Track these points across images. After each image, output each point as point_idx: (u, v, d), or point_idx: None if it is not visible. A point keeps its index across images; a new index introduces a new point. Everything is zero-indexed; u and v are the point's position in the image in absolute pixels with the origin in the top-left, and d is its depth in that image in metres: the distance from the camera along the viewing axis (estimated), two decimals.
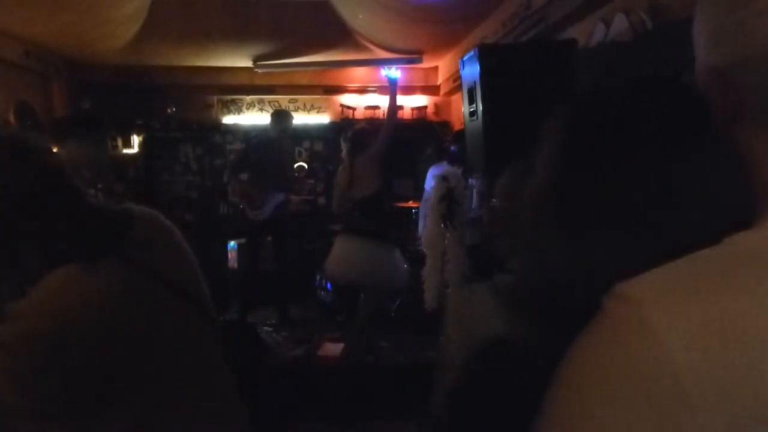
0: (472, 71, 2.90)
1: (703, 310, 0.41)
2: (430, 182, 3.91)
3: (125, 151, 6.97)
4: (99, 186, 5.91)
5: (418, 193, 6.05)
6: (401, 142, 6.07)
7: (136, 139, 6.99)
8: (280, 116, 5.66)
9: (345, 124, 6.50)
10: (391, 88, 4.29)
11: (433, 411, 0.91)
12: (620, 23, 3.17)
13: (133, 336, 1.14)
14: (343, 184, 4.26)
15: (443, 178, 3.73)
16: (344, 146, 4.41)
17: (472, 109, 2.94)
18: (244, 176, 5.45)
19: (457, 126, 6.53)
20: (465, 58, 3.00)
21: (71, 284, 1.10)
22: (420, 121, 7.27)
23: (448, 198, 3.68)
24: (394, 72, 4.37)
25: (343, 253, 4.21)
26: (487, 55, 2.80)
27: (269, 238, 5.66)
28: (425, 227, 4.16)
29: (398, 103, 7.07)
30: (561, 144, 0.69)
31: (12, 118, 5.24)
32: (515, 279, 0.83)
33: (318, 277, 5.89)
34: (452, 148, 4.58)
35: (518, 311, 0.74)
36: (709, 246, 0.47)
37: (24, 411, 1.07)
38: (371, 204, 4.19)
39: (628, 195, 0.61)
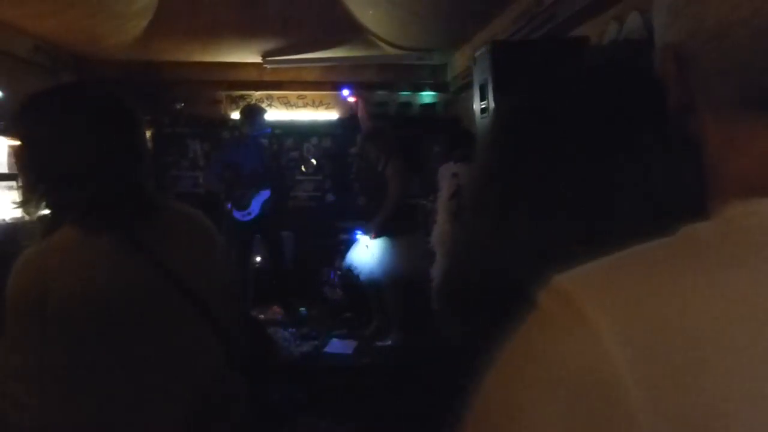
0: (483, 67, 2.88)
1: (646, 306, 0.38)
2: (441, 180, 3.91)
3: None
4: None
5: (426, 190, 6.04)
6: (410, 139, 6.08)
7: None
8: (252, 111, 5.54)
9: (352, 121, 6.49)
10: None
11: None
12: (634, 21, 3.14)
13: (104, 315, 1.13)
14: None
15: (453, 175, 3.72)
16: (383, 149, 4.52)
17: (483, 106, 2.92)
18: (227, 175, 5.26)
19: (466, 123, 6.50)
20: (477, 54, 2.98)
21: (62, 246, 1.14)
22: (429, 118, 7.24)
23: (459, 195, 3.66)
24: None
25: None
26: (499, 51, 2.79)
27: (259, 236, 5.54)
28: (435, 224, 4.15)
29: (407, 100, 7.13)
30: (500, 128, 0.68)
31: None
32: (447, 268, 0.82)
33: (333, 273, 5.86)
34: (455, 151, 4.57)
35: (448, 303, 0.72)
36: (656, 237, 0.43)
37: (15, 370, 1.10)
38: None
39: (567, 182, 0.60)
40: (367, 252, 4.56)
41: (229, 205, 5.24)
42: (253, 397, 1.37)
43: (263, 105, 7.15)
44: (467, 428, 0.43)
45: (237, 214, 5.26)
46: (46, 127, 1.18)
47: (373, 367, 4.38)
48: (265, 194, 5.33)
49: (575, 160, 0.60)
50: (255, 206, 5.30)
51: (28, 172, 1.20)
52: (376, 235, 4.49)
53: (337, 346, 4.83)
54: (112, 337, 1.13)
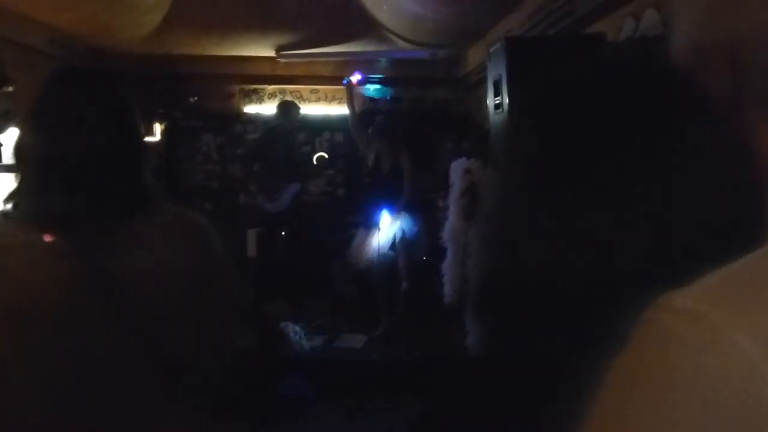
0: (498, 63, 2.86)
1: None
2: (453, 176, 3.89)
3: (147, 139, 6.99)
4: None
5: (436, 186, 6.01)
6: (421, 135, 6.06)
7: (157, 128, 7.02)
8: (286, 107, 5.69)
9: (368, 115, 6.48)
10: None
11: None
12: (651, 18, 3.10)
13: (17, 320, 1.02)
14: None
15: (466, 172, 3.70)
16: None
17: (497, 102, 2.91)
18: (256, 167, 5.46)
19: (480, 119, 6.47)
20: (492, 49, 2.96)
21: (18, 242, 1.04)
22: (441, 114, 7.21)
23: (471, 191, 3.65)
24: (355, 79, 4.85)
25: None
26: (514, 47, 2.77)
27: (285, 229, 5.66)
28: (447, 221, 4.13)
29: (420, 95, 7.12)
30: (531, 132, 0.66)
31: None
32: (481, 277, 0.79)
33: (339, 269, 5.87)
34: (467, 147, 4.55)
35: (485, 311, 0.70)
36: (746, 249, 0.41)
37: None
38: None
39: (607, 187, 0.57)
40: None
41: (260, 197, 5.45)
42: (262, 391, 1.34)
43: (276, 99, 7.17)
44: None
45: (268, 206, 5.42)
46: (29, 104, 1.14)
47: (382, 362, 4.38)
48: (296, 187, 5.46)
49: (623, 161, 0.58)
50: (286, 199, 5.42)
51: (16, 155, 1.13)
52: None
53: (346, 340, 4.83)
54: (24, 346, 1.02)
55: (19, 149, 1.13)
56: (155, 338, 1.05)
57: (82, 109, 1.12)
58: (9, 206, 1.10)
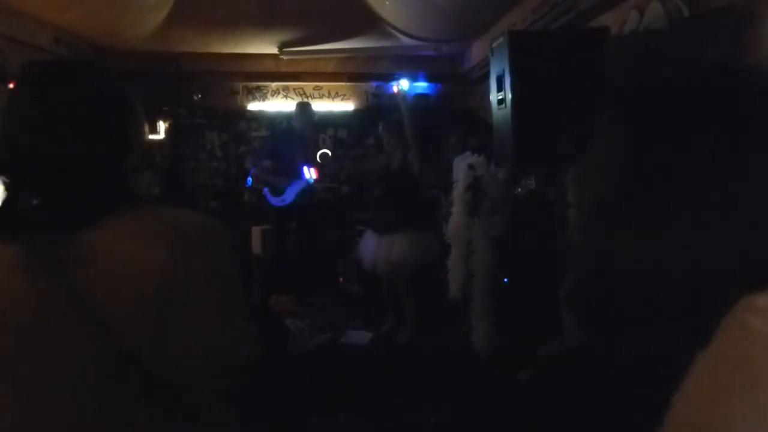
0: (501, 58, 2.85)
1: None
2: (457, 171, 3.88)
3: (151, 137, 7.02)
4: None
5: (441, 181, 6.00)
6: (425, 131, 6.05)
7: (162, 126, 7.04)
8: (304, 107, 5.83)
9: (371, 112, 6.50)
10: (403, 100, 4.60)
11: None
12: (655, 11, 3.09)
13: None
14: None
15: (470, 167, 3.69)
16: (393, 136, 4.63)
17: (500, 97, 2.90)
18: (267, 164, 5.58)
19: (483, 114, 6.46)
20: (494, 44, 2.95)
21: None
22: (445, 109, 7.20)
23: (475, 187, 3.64)
24: (405, 83, 4.70)
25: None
26: (517, 41, 2.75)
27: (293, 225, 5.75)
28: (451, 216, 4.13)
29: (424, 91, 7.10)
30: (621, 137, 0.64)
31: None
32: (577, 285, 0.77)
33: (344, 266, 5.90)
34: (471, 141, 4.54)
35: (587, 317, 0.69)
36: None
37: None
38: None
39: (702, 188, 0.56)
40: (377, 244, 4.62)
41: (266, 191, 5.63)
42: (268, 388, 1.30)
43: (279, 96, 7.19)
44: None
45: (272, 200, 5.61)
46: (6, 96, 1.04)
47: (389, 359, 4.39)
48: (301, 183, 5.56)
49: (714, 163, 0.56)
50: (289, 194, 5.56)
51: None
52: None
53: (352, 337, 4.84)
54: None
55: None
56: (132, 353, 0.91)
57: (38, 107, 1.01)
58: None
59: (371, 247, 4.70)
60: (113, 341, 0.90)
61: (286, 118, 6.66)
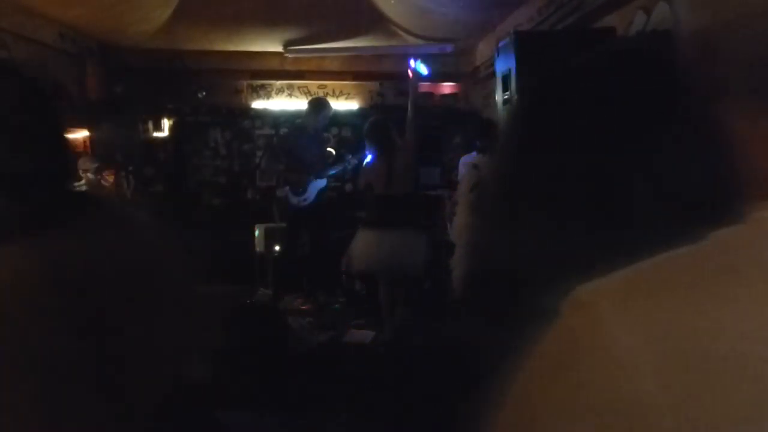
0: (507, 58, 2.84)
1: (677, 324, 0.35)
2: (461, 171, 3.87)
3: (155, 134, 7.02)
4: (129, 169, 5.99)
5: (444, 181, 6.01)
6: (429, 131, 6.05)
7: (166, 123, 7.04)
8: (319, 104, 5.67)
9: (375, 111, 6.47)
10: (414, 83, 4.33)
11: None
12: (662, 12, 3.08)
13: None
14: (380, 186, 4.21)
15: (474, 167, 3.69)
16: (375, 143, 4.35)
17: (506, 97, 2.89)
18: (281, 165, 5.54)
19: (488, 114, 6.45)
20: (500, 44, 2.95)
21: None
22: (449, 109, 7.19)
23: (479, 187, 3.63)
24: (423, 67, 4.37)
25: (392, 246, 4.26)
26: (523, 41, 2.75)
27: (310, 223, 5.69)
28: (455, 217, 4.12)
29: (429, 90, 7.07)
30: (519, 124, 0.65)
31: None
32: (464, 271, 0.78)
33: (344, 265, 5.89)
34: (476, 143, 4.46)
35: (466, 307, 0.70)
36: (687, 243, 0.39)
37: None
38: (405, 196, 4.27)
39: (588, 182, 0.56)
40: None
41: (287, 191, 5.46)
42: (271, 386, 1.29)
43: (284, 95, 7.18)
44: None
45: (293, 199, 5.43)
46: None
47: (391, 357, 4.38)
48: (322, 182, 5.52)
49: (593, 155, 0.57)
50: (311, 192, 5.45)
51: None
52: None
53: (354, 336, 4.84)
54: None
55: None
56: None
57: None
58: None
59: (368, 245, 4.61)
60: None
61: (296, 116, 6.59)
